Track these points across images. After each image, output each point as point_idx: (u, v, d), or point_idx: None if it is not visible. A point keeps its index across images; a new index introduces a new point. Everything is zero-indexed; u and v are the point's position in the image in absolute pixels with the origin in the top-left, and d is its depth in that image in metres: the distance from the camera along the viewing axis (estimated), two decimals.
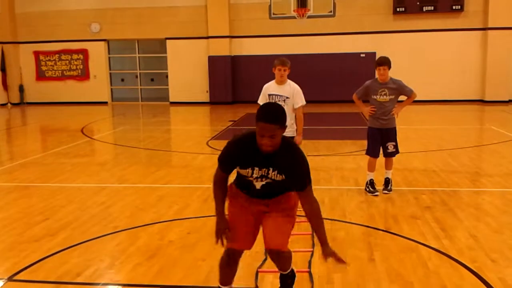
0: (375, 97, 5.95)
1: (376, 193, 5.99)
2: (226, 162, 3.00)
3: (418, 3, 17.41)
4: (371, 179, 6.12)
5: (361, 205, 5.63)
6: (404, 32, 17.75)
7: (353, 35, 17.92)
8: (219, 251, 4.28)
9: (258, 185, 3.05)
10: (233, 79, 18.98)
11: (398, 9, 17.61)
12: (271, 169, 2.95)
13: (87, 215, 5.40)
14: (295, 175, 2.92)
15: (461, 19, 17.47)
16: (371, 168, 6.16)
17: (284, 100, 5.47)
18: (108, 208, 5.67)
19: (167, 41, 19.40)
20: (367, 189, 6.09)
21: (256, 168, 2.96)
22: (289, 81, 5.57)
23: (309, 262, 3.99)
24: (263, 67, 18.37)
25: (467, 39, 17.52)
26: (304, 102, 5.56)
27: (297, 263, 3.99)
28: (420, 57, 17.69)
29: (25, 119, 16.88)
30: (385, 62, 5.84)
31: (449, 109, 15.94)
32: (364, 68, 17.75)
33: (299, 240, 4.53)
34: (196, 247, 4.40)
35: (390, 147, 6.07)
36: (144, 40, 20.14)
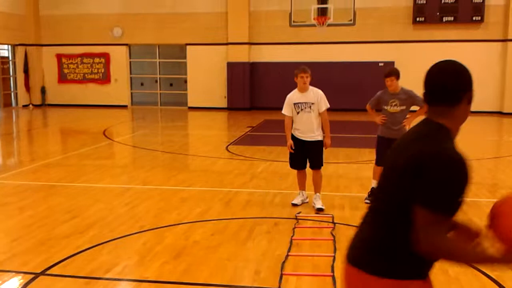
0: (386, 107, 5.97)
1: (367, 201, 5.93)
2: (453, 203, 1.69)
3: (438, 13, 17.42)
4: (373, 187, 6.07)
5: None
6: (423, 42, 17.75)
7: (372, 44, 17.97)
8: (244, 252, 4.42)
9: None
10: (251, 86, 19.14)
11: (418, 19, 17.63)
12: None
13: (113, 215, 5.56)
14: None
15: (481, 30, 17.43)
16: (375, 176, 6.11)
17: (310, 107, 5.64)
18: (134, 209, 5.82)
19: (187, 46, 19.65)
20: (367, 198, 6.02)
21: None
22: (311, 87, 5.72)
23: (332, 267, 4.07)
24: (281, 74, 18.55)
25: (487, 50, 17.47)
26: (328, 105, 5.73)
27: (320, 267, 4.09)
28: None
29: (47, 121, 17.21)
30: (391, 73, 5.88)
31: (467, 120, 15.86)
32: (382, 77, 17.79)
33: (321, 245, 4.62)
34: (220, 248, 4.52)
35: None
36: (164, 45, 20.43)
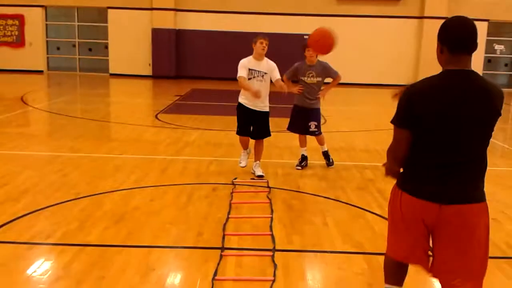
0: (303, 78, 6.27)
1: (298, 167, 6.35)
2: None
3: None
4: (302, 154, 6.47)
5: (311, 178, 6.03)
6: (346, 16, 18.37)
7: (298, 17, 18.32)
8: (185, 216, 4.55)
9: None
10: (177, 53, 18.86)
11: None
12: None
13: (46, 182, 5.43)
14: None
15: (400, 6, 18.35)
16: (301, 143, 6.51)
17: (263, 76, 5.71)
18: (66, 176, 5.71)
19: (109, 10, 18.89)
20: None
21: None
22: (265, 57, 5.78)
23: (270, 226, 4.32)
24: (209, 42, 18.44)
25: (404, 26, 18.46)
26: (279, 77, 5.82)
27: (259, 228, 4.32)
28: (360, 42, 18.42)
29: None
30: None
31: (385, 93, 16.82)
32: (301, 48, 18.23)
33: (258, 207, 4.86)
34: (161, 212, 4.61)
35: (312, 126, 6.37)
36: (83, 8, 19.47)
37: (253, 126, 5.89)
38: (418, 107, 2.27)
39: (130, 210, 4.65)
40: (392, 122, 2.40)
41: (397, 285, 2.71)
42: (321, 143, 6.53)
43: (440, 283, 2.45)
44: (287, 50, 18.38)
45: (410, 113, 2.30)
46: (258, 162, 5.99)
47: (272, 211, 4.72)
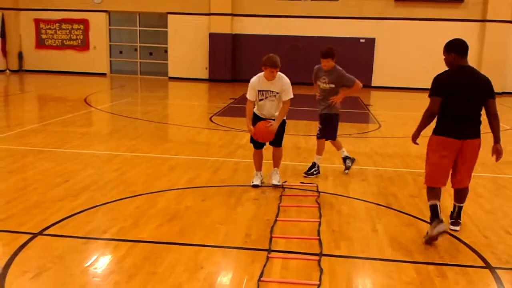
0: (319, 83, 6.07)
1: (346, 171, 6.31)
2: None
3: None
4: (342, 157, 6.39)
5: (362, 183, 5.97)
6: (404, 19, 17.99)
7: (355, 20, 18.13)
8: (234, 217, 4.63)
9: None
10: (233, 58, 19.15)
11: None
12: None
13: (104, 180, 5.69)
14: None
15: (461, 9, 17.74)
16: (335, 147, 6.42)
17: (275, 95, 5.41)
18: (123, 174, 5.95)
19: (169, 15, 19.45)
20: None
21: None
22: (278, 74, 5.37)
23: (318, 231, 4.33)
24: (264, 47, 18.55)
25: (466, 30, 17.79)
26: (292, 96, 5.44)
27: (307, 231, 4.33)
28: (418, 45, 17.97)
29: (25, 87, 16.96)
30: (326, 55, 5.83)
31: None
32: (363, 53, 18.08)
33: (307, 211, 4.87)
34: (211, 212, 4.72)
35: (317, 129, 6.17)
36: (144, 13, 20.16)
37: None
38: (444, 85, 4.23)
39: (182, 209, 4.79)
40: (429, 95, 4.22)
41: (438, 200, 4.28)
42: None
43: (455, 187, 4.46)
44: (344, 54, 18.29)
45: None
46: (276, 169, 5.74)
47: (320, 215, 4.72)
